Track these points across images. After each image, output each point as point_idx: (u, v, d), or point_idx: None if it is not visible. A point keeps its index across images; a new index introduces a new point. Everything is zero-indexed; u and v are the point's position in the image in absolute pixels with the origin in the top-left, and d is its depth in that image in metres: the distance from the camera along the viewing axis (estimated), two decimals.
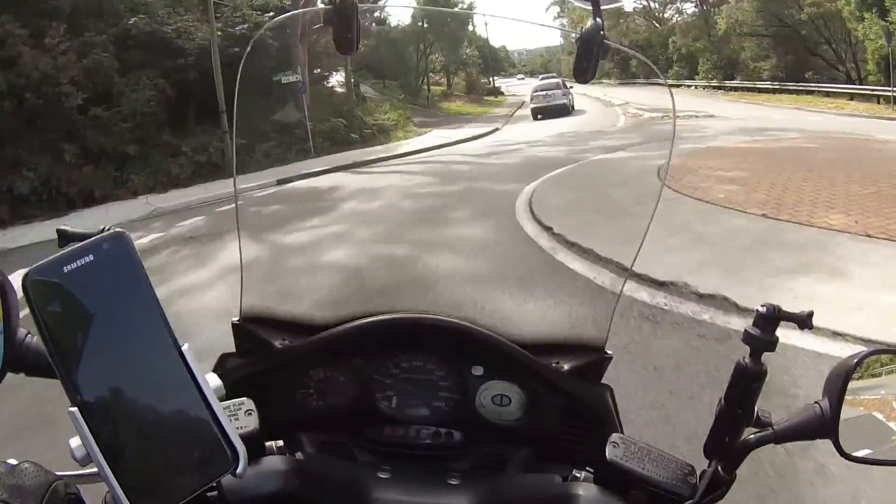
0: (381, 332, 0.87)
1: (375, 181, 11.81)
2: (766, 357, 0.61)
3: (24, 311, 0.50)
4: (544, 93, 22.86)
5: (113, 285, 0.45)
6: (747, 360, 0.61)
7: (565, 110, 22.17)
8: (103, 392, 0.44)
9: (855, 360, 0.60)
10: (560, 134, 16.37)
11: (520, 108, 24.69)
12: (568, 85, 23.33)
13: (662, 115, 19.03)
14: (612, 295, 4.21)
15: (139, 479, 0.44)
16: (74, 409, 0.43)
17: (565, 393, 0.89)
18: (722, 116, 18.01)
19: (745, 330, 0.61)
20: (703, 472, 0.65)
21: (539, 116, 21.90)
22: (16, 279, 0.50)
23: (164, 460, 0.45)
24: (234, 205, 10.52)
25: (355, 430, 0.90)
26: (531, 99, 23.49)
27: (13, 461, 0.54)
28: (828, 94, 21.98)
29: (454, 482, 0.79)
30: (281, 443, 0.77)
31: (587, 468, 0.78)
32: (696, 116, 17.58)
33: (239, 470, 0.47)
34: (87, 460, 0.43)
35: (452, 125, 22.22)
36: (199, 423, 0.46)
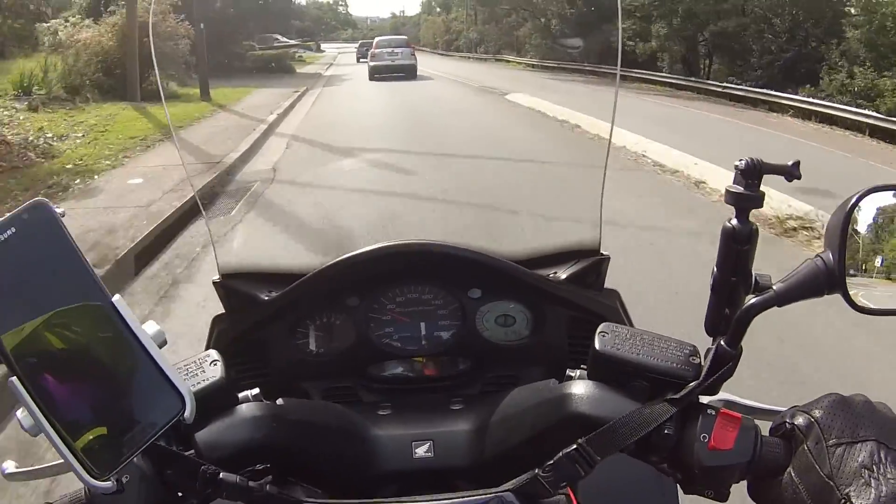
0: (369, 266, 0.83)
1: None
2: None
3: None
4: (389, 49, 18.45)
5: (39, 253, 0.45)
6: (734, 221, 0.54)
7: (411, 72, 18.04)
8: (41, 358, 0.44)
9: (851, 203, 0.53)
10: None
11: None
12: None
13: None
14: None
15: (89, 441, 0.44)
16: (13, 378, 0.42)
17: (567, 302, 0.86)
18: None
19: (727, 190, 0.55)
20: (707, 350, 0.59)
21: (377, 76, 17.29)
22: None
23: (111, 417, 0.45)
24: None
25: (359, 372, 0.87)
26: (370, 57, 18.68)
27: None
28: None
29: (456, 407, 0.76)
30: (256, 391, 0.67)
31: (581, 366, 0.72)
32: None
33: (186, 413, 0.47)
34: (36, 430, 0.43)
35: None
36: (139, 373, 0.46)
